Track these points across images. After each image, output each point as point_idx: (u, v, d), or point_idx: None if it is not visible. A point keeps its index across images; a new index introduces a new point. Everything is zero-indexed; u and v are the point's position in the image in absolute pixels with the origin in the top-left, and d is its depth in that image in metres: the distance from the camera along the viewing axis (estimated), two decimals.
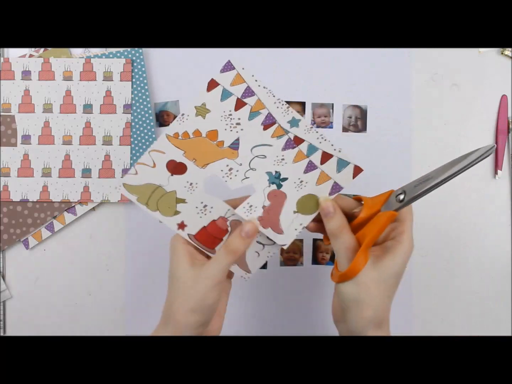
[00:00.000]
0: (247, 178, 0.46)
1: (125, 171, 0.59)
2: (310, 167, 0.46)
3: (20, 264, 0.61)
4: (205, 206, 0.47)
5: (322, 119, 0.61)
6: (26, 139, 0.59)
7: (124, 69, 0.59)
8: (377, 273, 0.43)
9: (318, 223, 0.47)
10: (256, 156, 0.46)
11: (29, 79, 0.59)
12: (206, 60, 0.61)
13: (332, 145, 0.45)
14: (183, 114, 0.45)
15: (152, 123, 0.60)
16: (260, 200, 0.46)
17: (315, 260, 0.61)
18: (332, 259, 0.61)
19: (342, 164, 0.46)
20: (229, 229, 0.47)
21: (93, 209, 0.61)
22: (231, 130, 0.45)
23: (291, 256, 0.61)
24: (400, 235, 0.44)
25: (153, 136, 0.60)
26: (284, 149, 0.45)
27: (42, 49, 0.60)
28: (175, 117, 0.61)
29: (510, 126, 0.62)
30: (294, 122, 0.45)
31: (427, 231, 0.62)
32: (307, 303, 0.62)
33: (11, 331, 0.61)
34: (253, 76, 0.44)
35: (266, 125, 0.45)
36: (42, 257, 0.61)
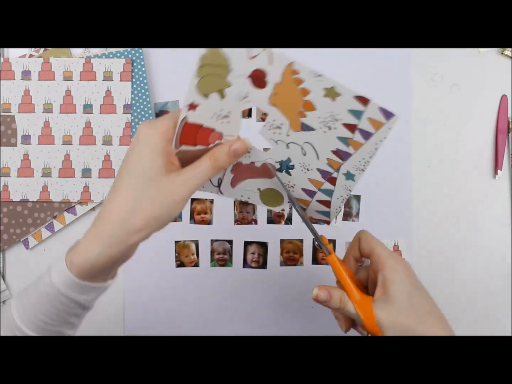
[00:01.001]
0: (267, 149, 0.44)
1: None
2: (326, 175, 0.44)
3: (20, 264, 0.61)
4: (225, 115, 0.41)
5: None
6: (26, 139, 0.59)
7: (124, 69, 0.59)
8: (394, 308, 0.43)
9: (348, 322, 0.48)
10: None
11: (29, 79, 0.59)
12: None
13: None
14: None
15: None
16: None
17: (315, 260, 0.61)
18: None
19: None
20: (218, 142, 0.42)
21: (93, 209, 0.60)
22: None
23: (291, 256, 0.61)
24: (379, 263, 0.44)
25: None
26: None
27: (42, 49, 0.60)
28: None
29: (510, 126, 0.62)
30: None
31: (427, 231, 0.62)
32: (307, 303, 0.61)
33: None
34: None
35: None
36: (42, 257, 0.61)
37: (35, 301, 0.40)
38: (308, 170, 0.44)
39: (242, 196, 0.46)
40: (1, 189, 0.59)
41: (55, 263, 0.40)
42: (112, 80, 0.59)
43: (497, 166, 0.62)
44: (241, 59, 0.40)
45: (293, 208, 0.49)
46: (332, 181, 0.45)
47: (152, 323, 0.61)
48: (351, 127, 0.41)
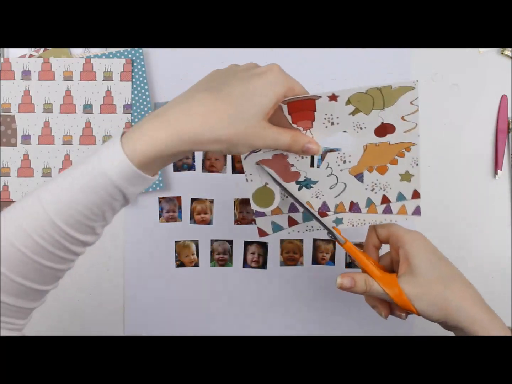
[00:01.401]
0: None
1: None
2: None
3: None
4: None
5: None
6: (26, 139, 0.59)
7: (124, 69, 0.59)
8: (420, 280, 0.44)
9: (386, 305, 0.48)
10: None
11: (29, 79, 0.59)
12: (206, 60, 0.61)
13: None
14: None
15: None
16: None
17: (315, 260, 0.61)
18: (332, 259, 0.61)
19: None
20: None
21: None
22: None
23: (291, 256, 0.61)
24: (398, 240, 0.46)
25: None
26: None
27: (42, 49, 0.60)
28: None
29: (510, 126, 0.62)
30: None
31: (427, 231, 0.61)
32: (307, 303, 0.62)
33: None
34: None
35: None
36: None
37: (77, 192, 0.37)
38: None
39: (251, 174, 0.47)
40: (1, 189, 0.59)
41: (105, 151, 0.37)
42: (112, 80, 0.59)
43: (497, 166, 0.62)
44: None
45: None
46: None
47: (152, 323, 0.61)
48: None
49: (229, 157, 0.61)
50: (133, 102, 0.59)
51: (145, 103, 0.60)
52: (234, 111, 0.39)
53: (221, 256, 0.61)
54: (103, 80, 0.59)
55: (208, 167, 0.61)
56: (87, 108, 0.59)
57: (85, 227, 0.38)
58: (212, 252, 0.61)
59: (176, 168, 0.61)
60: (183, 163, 0.61)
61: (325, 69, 0.62)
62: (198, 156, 0.61)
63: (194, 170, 0.61)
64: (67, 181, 0.37)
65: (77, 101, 0.59)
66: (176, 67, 0.61)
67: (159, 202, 0.61)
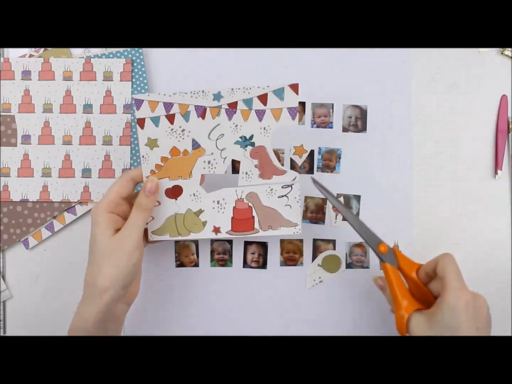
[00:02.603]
0: (225, 158, 0.51)
1: (124, 171, 0.59)
2: (260, 114, 0.50)
3: (20, 264, 0.61)
4: (218, 202, 0.52)
5: (322, 119, 0.61)
6: (26, 139, 0.59)
7: (124, 69, 0.59)
8: (432, 330, 0.45)
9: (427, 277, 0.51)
10: (217, 139, 0.51)
11: (29, 79, 0.59)
12: (206, 60, 0.61)
13: (258, 87, 0.49)
14: (143, 156, 0.51)
15: None
16: (248, 164, 0.52)
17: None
18: None
19: (279, 92, 0.50)
20: (249, 204, 0.52)
21: None
22: (183, 138, 0.50)
23: (291, 256, 0.61)
24: (443, 289, 0.47)
25: None
26: (229, 118, 0.50)
27: (42, 49, 0.60)
28: None
29: (510, 126, 0.62)
30: (217, 96, 0.50)
31: (427, 231, 0.62)
32: (307, 303, 0.61)
33: (11, 331, 0.61)
34: (159, 93, 0.50)
35: (201, 115, 0.50)
36: (42, 257, 0.61)
37: None
38: None
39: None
40: (1, 189, 0.59)
41: None
42: (112, 80, 0.59)
43: (497, 166, 0.62)
44: None
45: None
46: None
47: (152, 323, 0.61)
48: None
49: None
50: (133, 102, 0.59)
51: None
52: (95, 265, 0.48)
53: (221, 256, 0.61)
54: (103, 80, 0.59)
55: None
56: (87, 108, 0.59)
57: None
58: (212, 252, 0.61)
59: None
60: None
61: (325, 69, 0.62)
62: None
63: None
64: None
65: (77, 101, 0.59)
66: (176, 67, 0.61)
67: None
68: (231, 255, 0.61)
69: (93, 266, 0.48)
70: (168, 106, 0.49)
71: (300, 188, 0.52)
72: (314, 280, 0.60)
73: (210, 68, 0.61)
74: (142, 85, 0.60)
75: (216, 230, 0.53)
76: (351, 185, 0.61)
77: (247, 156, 0.51)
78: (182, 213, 0.52)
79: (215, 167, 0.51)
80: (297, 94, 0.50)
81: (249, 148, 0.51)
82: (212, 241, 0.61)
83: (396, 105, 0.62)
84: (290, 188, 0.52)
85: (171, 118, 0.50)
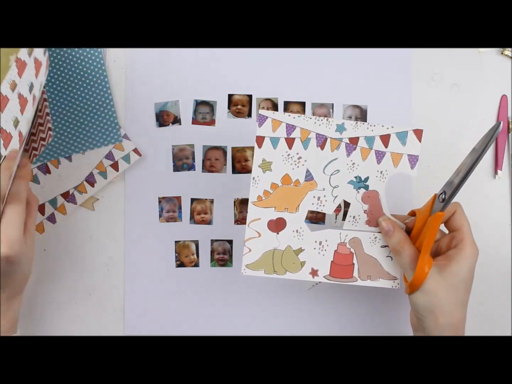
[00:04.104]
0: (336, 197, 0.49)
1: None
2: (379, 155, 0.48)
3: None
4: (320, 243, 0.49)
5: None
6: None
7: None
8: (444, 280, 0.45)
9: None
10: (332, 174, 0.48)
11: None
12: (206, 60, 0.61)
13: (382, 126, 0.47)
14: (253, 178, 0.48)
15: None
16: (358, 208, 0.49)
17: None
18: None
19: (402, 136, 0.48)
20: (351, 250, 0.50)
21: (93, 209, 0.61)
22: (297, 167, 0.48)
23: None
24: (461, 242, 0.47)
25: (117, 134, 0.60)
26: (348, 154, 0.48)
27: None
28: (175, 117, 0.61)
29: (510, 126, 0.62)
30: (340, 128, 0.47)
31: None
32: (307, 303, 0.61)
33: None
34: (285, 113, 0.47)
35: (321, 145, 0.47)
36: (42, 257, 0.61)
37: None
38: None
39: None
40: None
41: None
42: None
43: (497, 166, 0.62)
44: None
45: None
46: None
47: (152, 323, 0.61)
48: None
49: (229, 157, 0.61)
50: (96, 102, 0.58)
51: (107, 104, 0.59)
52: None
53: (221, 256, 0.61)
54: None
55: (208, 167, 0.61)
56: None
57: None
58: (212, 252, 0.61)
59: (176, 168, 0.61)
60: (183, 163, 0.61)
61: (325, 69, 0.62)
62: (198, 156, 0.61)
63: (194, 170, 0.61)
64: None
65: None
66: (176, 67, 0.61)
67: (159, 202, 0.61)
68: (231, 255, 0.61)
69: None
70: (290, 128, 0.47)
71: None
72: (314, 280, 0.60)
73: (210, 68, 0.61)
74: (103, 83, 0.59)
75: (314, 272, 0.50)
76: None
77: (358, 199, 0.49)
78: (281, 249, 0.50)
79: (323, 205, 0.48)
80: (420, 141, 0.48)
81: (362, 190, 0.48)
82: (212, 241, 0.61)
83: (396, 105, 0.62)
84: None
85: (290, 142, 0.47)
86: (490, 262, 0.62)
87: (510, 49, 0.61)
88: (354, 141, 0.47)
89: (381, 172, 0.48)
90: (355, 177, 0.48)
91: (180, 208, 0.61)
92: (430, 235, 0.46)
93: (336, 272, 0.50)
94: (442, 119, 0.62)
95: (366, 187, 0.48)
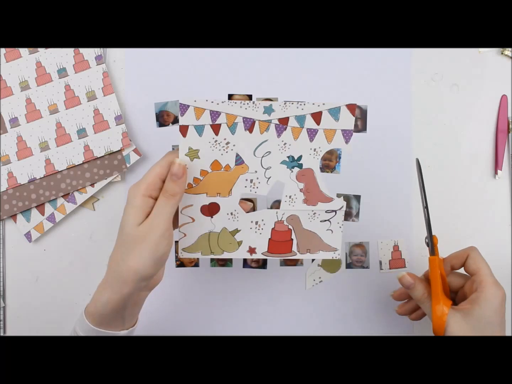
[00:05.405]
0: (269, 178, 0.48)
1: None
2: (312, 133, 0.47)
3: (21, 264, 0.61)
4: (256, 222, 0.49)
5: None
6: (14, 122, 0.59)
7: (104, 83, 0.59)
8: (468, 325, 0.46)
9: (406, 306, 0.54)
10: (263, 156, 0.47)
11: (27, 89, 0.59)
12: (206, 60, 0.61)
13: (313, 103, 0.46)
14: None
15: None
16: (294, 187, 0.48)
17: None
18: None
19: (334, 112, 0.47)
20: (289, 226, 0.50)
21: (93, 209, 0.61)
22: (226, 152, 0.47)
23: None
24: (480, 284, 0.47)
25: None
26: (279, 135, 0.47)
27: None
28: (175, 117, 0.61)
29: (510, 126, 0.62)
30: (268, 109, 0.46)
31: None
32: (307, 303, 0.62)
33: (11, 331, 0.61)
34: (207, 100, 0.45)
35: (249, 128, 0.46)
36: (42, 257, 0.61)
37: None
38: None
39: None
40: (7, 177, 0.59)
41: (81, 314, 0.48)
42: (97, 98, 0.59)
43: (497, 166, 0.62)
44: None
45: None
46: None
47: (152, 323, 0.61)
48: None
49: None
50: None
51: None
52: (120, 251, 0.45)
53: None
54: (88, 101, 0.59)
55: None
56: (62, 73, 0.59)
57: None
58: None
59: None
60: None
61: (325, 69, 0.62)
62: None
63: None
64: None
65: (50, 69, 0.59)
66: (176, 67, 0.61)
67: None
68: None
69: (118, 251, 0.45)
70: (214, 114, 0.46)
71: (344, 214, 0.50)
72: (314, 280, 0.60)
73: (210, 67, 0.61)
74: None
75: (252, 250, 0.50)
76: (351, 185, 0.61)
77: (293, 178, 0.48)
78: (217, 231, 0.49)
79: (257, 187, 0.48)
80: (354, 115, 0.47)
81: (296, 169, 0.48)
82: None
83: (396, 105, 0.62)
84: (334, 213, 0.50)
85: (216, 128, 0.46)
86: (490, 262, 0.62)
87: (510, 49, 0.61)
88: (284, 121, 0.46)
89: (315, 149, 0.47)
90: (288, 157, 0.48)
91: None
92: (433, 280, 0.48)
93: (274, 248, 0.50)
94: (442, 119, 0.62)
95: (300, 166, 0.48)
